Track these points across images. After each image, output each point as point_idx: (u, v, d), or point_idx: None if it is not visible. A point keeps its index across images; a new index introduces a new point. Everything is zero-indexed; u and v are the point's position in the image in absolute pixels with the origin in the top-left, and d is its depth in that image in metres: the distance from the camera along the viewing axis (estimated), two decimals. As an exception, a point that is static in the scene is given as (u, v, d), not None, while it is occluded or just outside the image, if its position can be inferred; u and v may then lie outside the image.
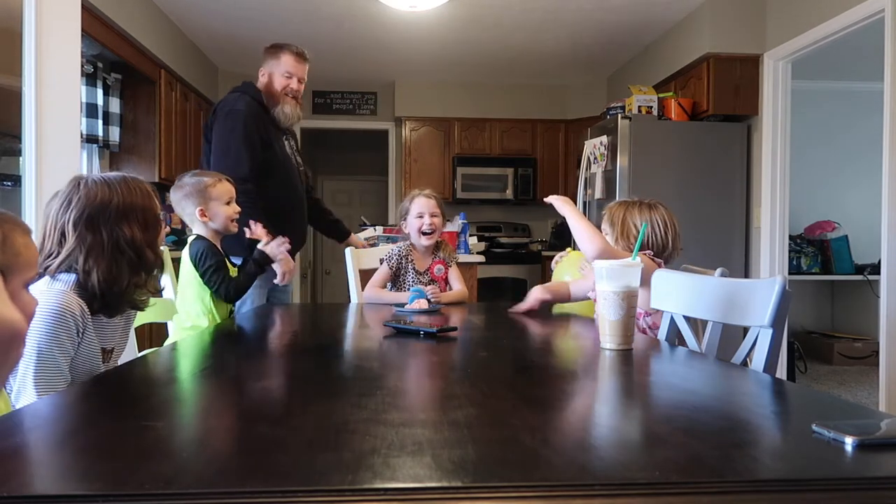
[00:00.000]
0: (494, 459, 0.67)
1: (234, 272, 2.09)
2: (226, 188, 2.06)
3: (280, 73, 2.72)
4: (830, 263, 5.21)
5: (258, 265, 2.09)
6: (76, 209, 1.32)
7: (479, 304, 3.01)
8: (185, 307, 2.00)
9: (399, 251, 2.55)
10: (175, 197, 2.05)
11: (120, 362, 1.82)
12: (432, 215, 2.50)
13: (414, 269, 2.52)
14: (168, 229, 1.51)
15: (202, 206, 2.01)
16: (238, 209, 2.10)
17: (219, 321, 2.01)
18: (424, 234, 2.50)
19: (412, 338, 1.55)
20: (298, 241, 2.72)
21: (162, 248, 1.48)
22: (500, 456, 0.68)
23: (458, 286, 2.57)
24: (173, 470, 0.63)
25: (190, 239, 2.03)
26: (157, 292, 1.48)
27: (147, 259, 1.38)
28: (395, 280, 2.55)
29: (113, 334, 1.43)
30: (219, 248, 2.04)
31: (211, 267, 1.95)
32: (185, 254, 1.99)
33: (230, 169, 2.38)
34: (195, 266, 1.96)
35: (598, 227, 1.99)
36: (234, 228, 2.09)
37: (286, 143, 2.78)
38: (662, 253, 1.96)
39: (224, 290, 1.95)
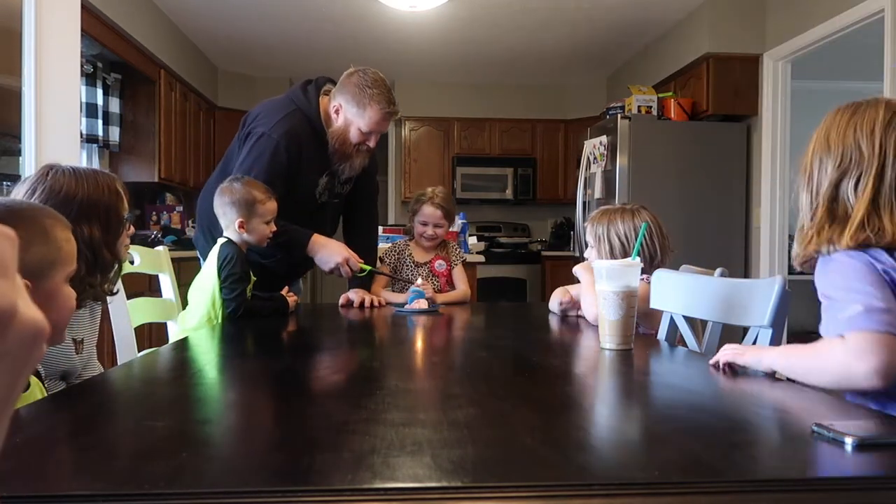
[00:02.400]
0: (494, 459, 0.67)
1: (252, 279, 2.07)
2: (272, 207, 2.01)
3: (359, 128, 2.20)
4: (830, 263, 5.20)
5: (274, 306, 2.06)
6: (37, 200, 1.29)
7: (479, 304, 3.01)
8: (195, 307, 1.97)
9: (395, 247, 2.60)
10: (221, 199, 1.99)
11: (121, 361, 1.83)
12: (436, 226, 2.53)
13: (412, 261, 2.55)
14: (126, 228, 1.39)
15: (244, 218, 1.96)
16: (275, 228, 2.04)
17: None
18: (425, 238, 2.56)
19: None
20: (292, 273, 2.53)
21: (160, 251, 1.47)
22: (499, 456, 0.68)
23: (461, 287, 2.58)
24: (173, 470, 0.63)
25: (221, 241, 1.99)
26: (112, 294, 1.45)
27: (103, 260, 1.36)
28: (394, 273, 2.57)
29: (80, 325, 1.43)
30: (245, 257, 2.01)
31: (234, 275, 1.92)
32: (214, 253, 1.97)
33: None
34: (219, 269, 1.93)
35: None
36: (265, 244, 2.05)
37: (327, 177, 2.33)
38: (651, 262, 1.82)
39: (235, 304, 1.91)
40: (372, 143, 2.26)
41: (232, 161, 2.28)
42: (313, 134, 2.23)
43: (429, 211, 2.54)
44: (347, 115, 2.20)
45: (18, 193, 1.34)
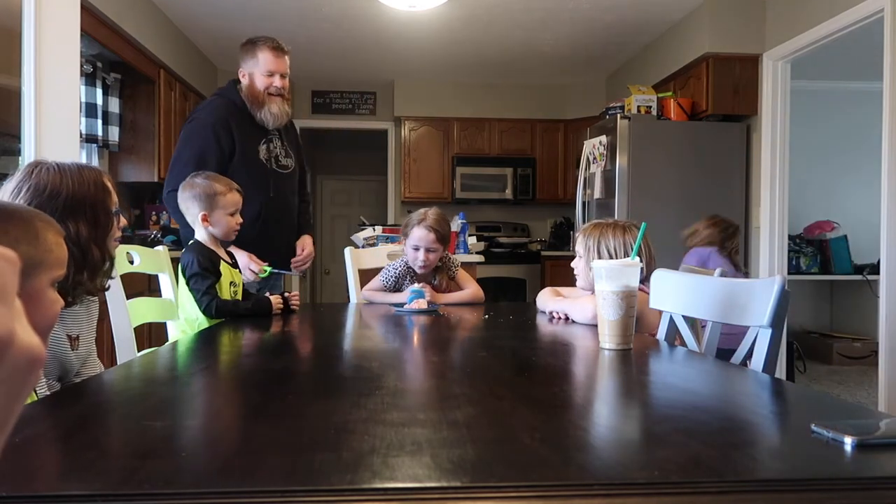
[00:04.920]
0: (493, 459, 0.67)
1: (234, 275, 2.06)
2: (234, 199, 2.04)
3: (260, 73, 2.57)
4: (829, 263, 5.22)
5: (255, 307, 2.01)
6: (24, 199, 1.29)
7: (479, 304, 3.00)
8: (183, 313, 1.99)
9: (396, 273, 2.47)
10: (182, 195, 2.03)
11: (120, 361, 1.83)
12: (427, 250, 2.37)
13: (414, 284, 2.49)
14: (116, 223, 1.34)
15: (206, 211, 2.00)
16: (241, 220, 2.08)
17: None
18: (418, 265, 2.43)
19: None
20: (277, 248, 2.60)
21: (162, 251, 1.46)
22: (499, 456, 0.68)
23: (469, 287, 2.50)
24: (173, 470, 0.63)
25: (188, 244, 2.01)
26: (102, 290, 1.44)
27: (92, 257, 1.34)
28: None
29: (76, 321, 1.42)
30: (217, 253, 2.01)
31: (196, 274, 1.92)
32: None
33: (173, 179, 2.37)
34: (183, 275, 1.94)
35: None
36: (233, 237, 2.08)
37: (271, 144, 2.62)
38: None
39: (206, 301, 1.90)
40: (276, 83, 2.59)
41: None
42: (237, 110, 2.57)
43: (420, 234, 2.35)
44: (247, 69, 2.59)
45: (5, 192, 1.33)
